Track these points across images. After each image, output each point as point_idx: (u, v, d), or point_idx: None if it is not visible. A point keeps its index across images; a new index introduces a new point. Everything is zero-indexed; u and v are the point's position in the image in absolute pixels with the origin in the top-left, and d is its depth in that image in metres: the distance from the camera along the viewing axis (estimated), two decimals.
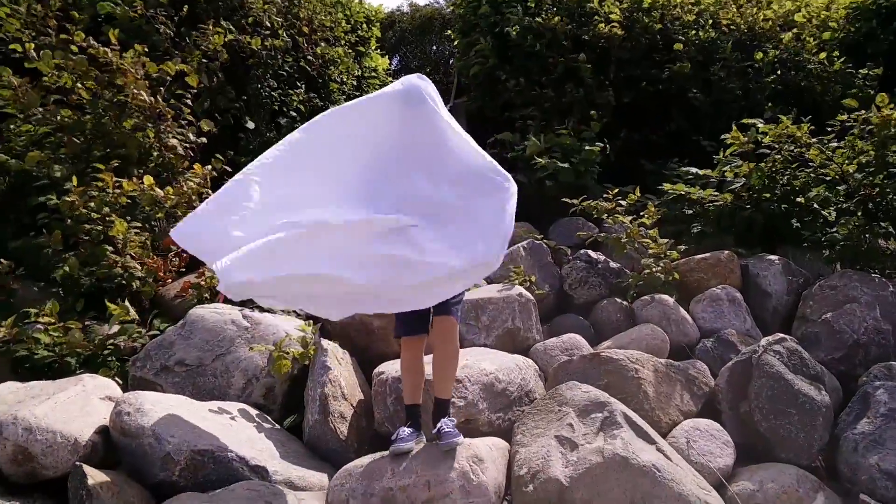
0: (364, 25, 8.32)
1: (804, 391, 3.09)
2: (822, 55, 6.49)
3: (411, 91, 2.64)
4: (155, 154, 4.44)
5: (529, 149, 5.73)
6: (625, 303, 4.18)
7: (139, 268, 3.63)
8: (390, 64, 18.66)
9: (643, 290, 4.19)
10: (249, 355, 3.09)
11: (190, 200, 3.60)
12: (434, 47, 19.56)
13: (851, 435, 2.95)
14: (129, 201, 3.84)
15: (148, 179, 3.53)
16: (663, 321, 3.88)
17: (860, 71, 6.26)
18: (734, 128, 5.01)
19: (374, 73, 8.75)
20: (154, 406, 2.58)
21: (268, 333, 3.22)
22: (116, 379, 3.14)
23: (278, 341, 3.06)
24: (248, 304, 3.43)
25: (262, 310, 3.46)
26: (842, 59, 6.46)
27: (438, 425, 2.51)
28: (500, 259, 2.41)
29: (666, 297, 4.03)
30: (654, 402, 3.13)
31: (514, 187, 2.49)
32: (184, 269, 4.03)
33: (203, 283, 3.56)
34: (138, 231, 3.83)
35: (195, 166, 3.80)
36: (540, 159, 5.60)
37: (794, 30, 6.78)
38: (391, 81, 10.68)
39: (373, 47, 8.74)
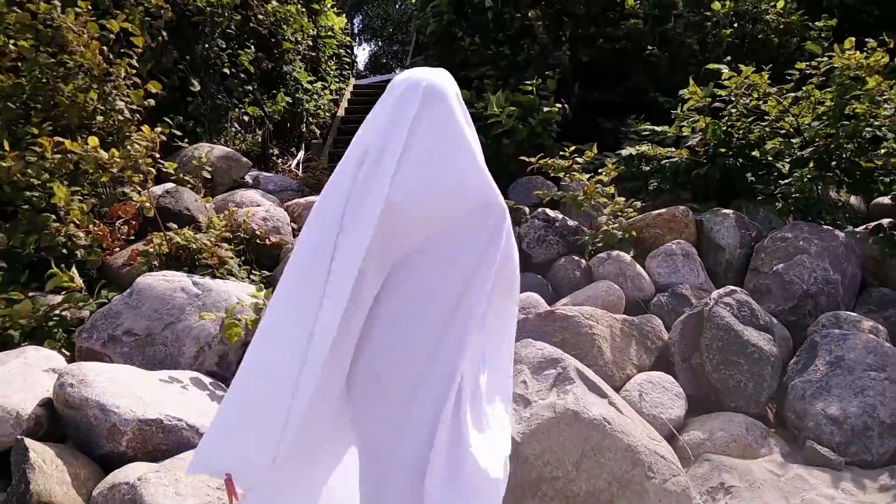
0: None
1: (753, 341, 3.15)
2: (781, 4, 6.48)
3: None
4: (100, 118, 4.27)
5: (490, 106, 5.65)
6: (582, 260, 4.19)
7: (83, 236, 3.52)
8: (351, 24, 18.23)
9: (600, 248, 4.20)
10: (201, 323, 3.03)
11: (137, 164, 3.47)
12: (397, 5, 19.15)
13: (799, 383, 3.02)
14: (72, 168, 3.69)
15: (92, 140, 3.39)
16: (620, 277, 3.90)
17: (816, 23, 6.27)
18: (692, 82, 5.00)
19: (330, 33, 8.53)
20: (98, 376, 2.52)
21: (219, 300, 3.15)
22: (63, 351, 3.06)
23: (230, 308, 3.00)
24: (197, 271, 3.36)
25: (213, 276, 3.39)
26: (799, 11, 6.46)
27: None
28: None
29: (622, 253, 4.05)
30: (608, 357, 3.16)
31: None
32: (133, 238, 3.92)
33: (151, 249, 3.46)
34: (82, 198, 3.70)
35: (143, 129, 3.66)
36: (498, 116, 5.54)
37: None
38: (349, 41, 10.33)
39: (328, 5, 8.49)
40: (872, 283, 4.04)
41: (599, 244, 4.24)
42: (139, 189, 3.67)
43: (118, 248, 3.75)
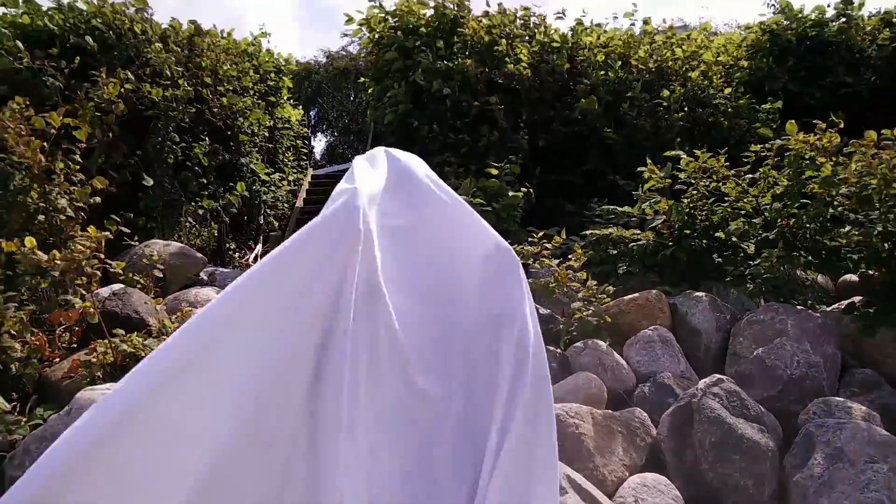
0: (273, 75, 8.08)
1: (747, 435, 2.98)
2: (728, 90, 6.72)
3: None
4: (41, 218, 4.02)
5: (461, 190, 5.57)
6: (559, 350, 4.02)
7: (19, 347, 3.20)
8: (308, 116, 18.46)
9: (576, 336, 4.05)
10: None
11: (80, 266, 3.21)
12: (352, 97, 19.50)
13: (801, 479, 2.84)
14: (6, 273, 3.41)
15: (30, 241, 3.13)
16: (598, 368, 3.73)
17: (763, 106, 6.51)
18: (649, 162, 5.04)
19: (287, 124, 8.50)
20: None
21: None
22: None
23: None
24: None
25: None
26: (747, 96, 6.71)
27: None
28: None
29: (599, 342, 3.90)
30: (597, 458, 2.95)
31: None
32: (76, 346, 3.61)
33: (94, 359, 3.16)
34: (19, 305, 3.40)
35: (89, 229, 3.42)
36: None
37: (702, 67, 7.02)
38: (306, 133, 10.41)
39: (284, 97, 8.50)
40: (852, 364, 3.96)
41: (574, 332, 4.09)
42: (83, 293, 3.39)
43: (58, 359, 3.43)
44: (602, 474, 2.90)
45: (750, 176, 4.72)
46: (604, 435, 3.09)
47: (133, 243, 4.84)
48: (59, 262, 3.12)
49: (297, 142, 8.74)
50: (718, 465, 2.89)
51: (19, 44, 4.61)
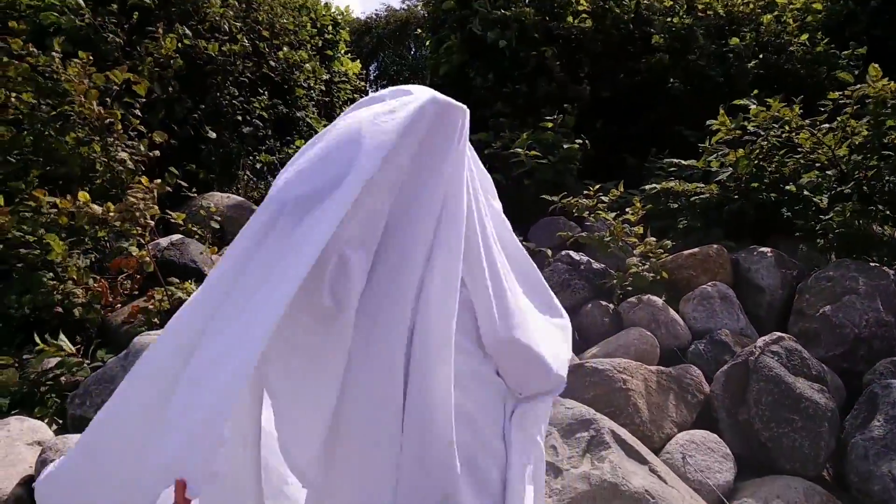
0: (331, 28, 8.03)
1: (807, 394, 2.84)
2: (804, 36, 6.27)
3: None
4: (101, 169, 4.15)
5: (517, 143, 5.44)
6: (611, 305, 3.92)
7: (81, 293, 3.34)
8: (367, 70, 18.38)
9: (630, 291, 3.93)
10: None
11: (134, 217, 3.31)
12: (412, 51, 19.29)
13: (861, 441, 2.70)
14: (70, 222, 3.54)
15: (83, 196, 3.24)
16: (652, 324, 3.62)
17: (843, 52, 6.05)
18: (721, 112, 4.77)
19: (344, 78, 8.47)
20: None
21: None
22: (57, 419, 2.86)
23: None
24: None
25: None
26: (825, 41, 6.25)
27: None
28: None
29: (654, 297, 3.78)
30: (645, 414, 2.87)
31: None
32: (136, 293, 3.75)
33: (152, 306, 3.27)
34: (81, 253, 3.54)
35: (142, 179, 3.51)
36: (521, 154, 5.33)
37: (776, 12, 6.56)
38: (363, 87, 10.34)
39: (342, 51, 8.46)
40: None
41: (629, 288, 3.96)
42: (140, 242, 3.49)
43: (119, 305, 3.57)
44: (649, 430, 2.83)
45: (826, 126, 4.41)
46: (654, 392, 3.00)
47: (193, 195, 4.96)
48: (113, 213, 3.21)
49: (355, 95, 8.71)
50: (774, 424, 2.78)
51: (80, 1, 4.70)
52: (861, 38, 6.30)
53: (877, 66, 4.19)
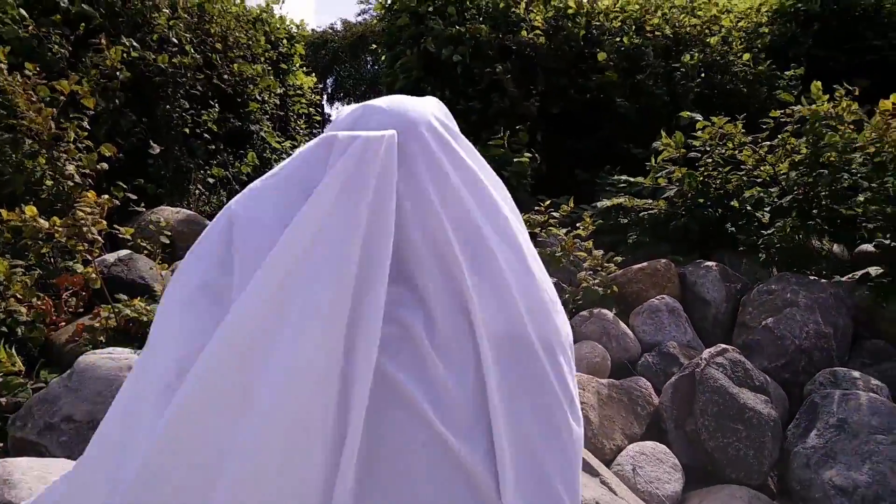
0: (285, 42, 8.00)
1: (750, 405, 2.94)
2: (747, 56, 6.52)
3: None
4: (49, 183, 4.04)
5: None
6: None
7: (25, 311, 3.23)
8: (324, 84, 18.33)
9: (581, 305, 4.01)
10: None
11: (81, 232, 3.22)
12: (369, 65, 19.33)
13: (802, 449, 2.80)
14: (13, 239, 3.43)
15: (30, 209, 3.14)
16: (603, 337, 3.69)
17: (785, 73, 6.31)
18: (663, 134, 4.93)
19: (299, 92, 8.43)
20: (25, 475, 2.21)
21: None
22: None
23: None
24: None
25: None
26: (768, 62, 6.51)
27: None
28: None
29: (605, 311, 3.86)
30: (597, 427, 2.92)
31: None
32: (81, 310, 3.64)
33: (98, 324, 3.18)
34: (26, 270, 3.43)
35: (89, 194, 3.43)
36: None
37: (722, 32, 6.81)
38: (318, 100, 10.26)
39: (297, 64, 8.42)
40: (864, 335, 3.87)
41: (580, 302, 4.04)
42: (87, 258, 3.40)
43: (64, 324, 3.46)
44: (600, 441, 2.88)
45: (768, 143, 4.59)
46: (605, 404, 3.06)
47: (141, 210, 4.86)
48: (59, 228, 3.12)
49: (310, 109, 8.67)
50: (719, 434, 2.86)
51: (23, 11, 4.59)
52: (801, 60, 6.59)
53: (818, 83, 4.39)
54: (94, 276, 3.27)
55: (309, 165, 1.00)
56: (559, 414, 1.03)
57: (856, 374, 3.17)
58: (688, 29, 6.92)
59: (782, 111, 4.49)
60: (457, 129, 1.15)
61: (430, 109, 1.10)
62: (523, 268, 1.07)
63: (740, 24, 7.08)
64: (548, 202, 4.69)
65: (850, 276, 4.15)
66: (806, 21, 7.22)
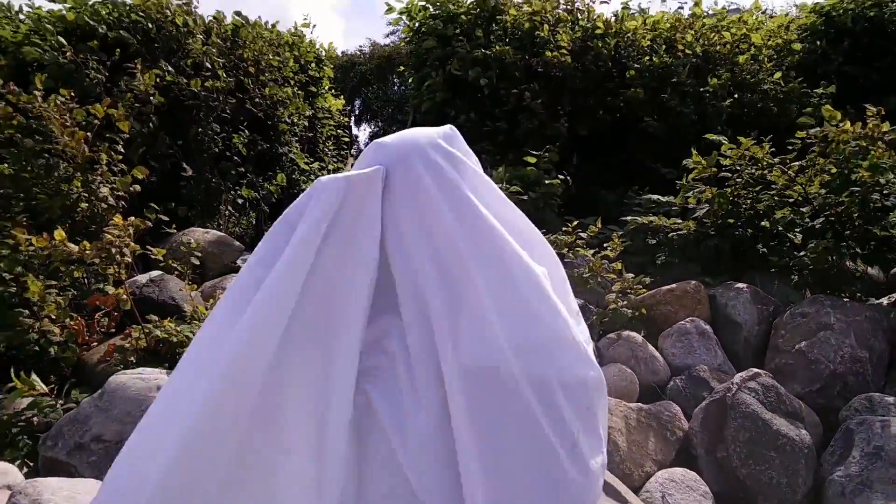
0: (314, 65, 8.13)
1: (783, 431, 2.87)
2: (778, 75, 6.46)
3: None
4: (84, 206, 4.14)
5: (495, 178, 5.51)
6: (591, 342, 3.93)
7: (58, 331, 3.30)
8: (351, 105, 18.54)
9: (609, 327, 3.96)
10: None
11: (111, 255, 3.29)
12: (396, 86, 19.53)
13: (837, 477, 2.72)
14: (48, 261, 3.51)
15: (59, 234, 3.22)
16: (631, 360, 3.64)
17: (815, 91, 6.23)
18: (694, 153, 4.88)
19: (327, 114, 8.55)
20: (55, 495, 2.24)
21: None
22: (28, 461, 2.80)
23: None
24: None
25: None
26: (798, 80, 6.43)
27: None
28: None
29: (633, 333, 3.81)
30: (624, 453, 2.87)
31: None
32: (113, 331, 3.71)
33: (129, 345, 3.23)
34: (59, 291, 3.51)
35: (116, 217, 3.50)
36: (503, 189, 5.39)
37: (752, 51, 6.76)
38: (347, 122, 10.38)
39: (326, 87, 8.55)
40: None
41: (608, 323, 3.99)
42: (119, 278, 3.47)
43: (96, 344, 3.53)
44: (629, 468, 2.83)
45: (798, 163, 4.52)
46: (633, 429, 3.01)
47: (172, 231, 4.95)
48: (89, 251, 3.19)
49: (338, 131, 8.78)
50: (752, 461, 2.79)
51: (61, 39, 4.74)
52: (832, 77, 6.50)
53: (837, 113, 4.33)
54: (124, 296, 3.32)
55: (297, 209, 1.03)
56: (548, 457, 0.99)
57: (892, 399, 3.08)
58: (718, 48, 6.87)
59: (807, 132, 4.43)
60: (462, 155, 1.13)
61: (431, 140, 1.10)
62: (519, 303, 1.04)
63: (770, 41, 7.02)
64: (575, 223, 4.67)
65: (886, 298, 4.05)
66: (837, 37, 7.13)
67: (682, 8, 7.48)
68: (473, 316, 1.00)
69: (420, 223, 1.05)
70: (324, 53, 8.52)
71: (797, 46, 7.04)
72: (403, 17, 7.53)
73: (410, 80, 7.79)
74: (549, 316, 1.07)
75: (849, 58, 6.95)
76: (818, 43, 7.12)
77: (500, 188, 4.86)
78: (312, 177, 7.51)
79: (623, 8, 7.57)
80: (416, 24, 7.41)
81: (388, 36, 19.73)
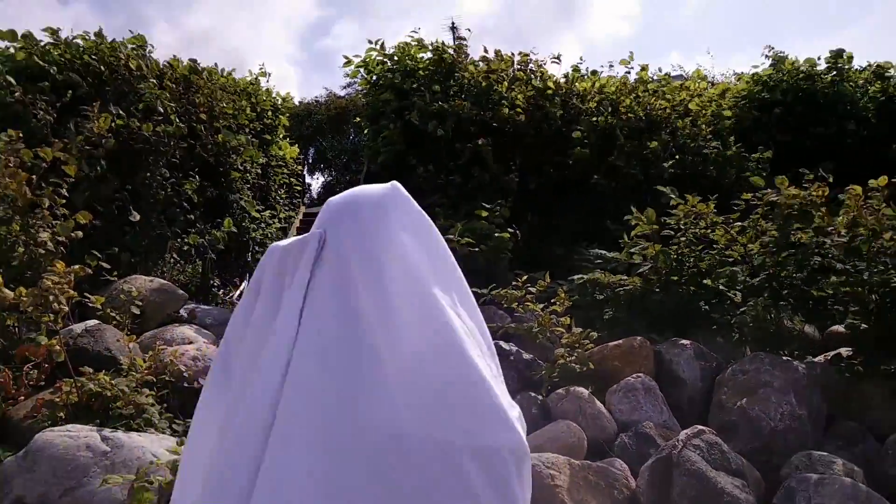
0: (270, 113, 8.14)
1: (728, 490, 2.89)
2: (714, 143, 6.76)
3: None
4: (20, 251, 3.99)
5: (450, 233, 5.51)
6: (539, 397, 3.94)
7: None
8: (305, 154, 18.56)
9: (558, 382, 3.97)
10: (105, 488, 2.62)
11: (47, 302, 3.16)
12: (351, 137, 19.67)
13: None
14: None
15: None
16: (579, 416, 3.65)
17: (753, 155, 6.54)
18: (634, 210, 5.02)
19: (281, 162, 8.53)
20: None
21: (131, 458, 2.77)
22: None
23: (141, 469, 2.62)
24: (111, 422, 2.98)
25: (128, 428, 3.01)
26: (737, 145, 6.74)
27: None
28: None
29: (581, 389, 3.82)
30: None
31: None
32: (43, 384, 3.52)
33: (59, 399, 3.08)
34: None
35: (57, 264, 3.38)
36: (454, 243, 5.41)
37: (689, 117, 7.07)
38: (300, 170, 10.38)
39: (280, 135, 8.55)
40: (838, 416, 3.87)
41: (556, 379, 4.01)
42: (54, 328, 3.32)
43: (24, 398, 3.35)
44: None
45: (739, 224, 4.70)
46: (581, 487, 2.99)
47: (112, 279, 4.79)
48: (24, 297, 3.06)
49: (291, 179, 8.77)
50: None
51: (10, 78, 4.65)
52: (767, 143, 6.84)
53: (783, 178, 4.54)
54: (57, 347, 3.18)
55: (261, 270, 1.14)
56: None
57: (832, 458, 3.15)
58: (658, 112, 7.17)
59: (753, 194, 4.61)
60: (407, 212, 1.12)
61: (371, 199, 1.11)
62: (426, 361, 1.00)
63: (707, 109, 7.37)
64: (525, 277, 4.71)
65: (822, 356, 4.18)
66: (769, 106, 7.54)
67: (629, 72, 7.81)
68: (379, 375, 0.97)
69: (336, 284, 1.06)
70: (280, 102, 8.55)
71: (728, 113, 7.42)
72: (361, 70, 7.65)
73: (366, 132, 7.87)
74: (469, 376, 1.02)
75: (783, 126, 7.35)
76: (754, 112, 7.52)
77: (454, 241, 4.87)
78: (263, 225, 7.44)
79: (573, 70, 7.87)
80: (374, 78, 7.53)
81: (344, 88, 19.95)
